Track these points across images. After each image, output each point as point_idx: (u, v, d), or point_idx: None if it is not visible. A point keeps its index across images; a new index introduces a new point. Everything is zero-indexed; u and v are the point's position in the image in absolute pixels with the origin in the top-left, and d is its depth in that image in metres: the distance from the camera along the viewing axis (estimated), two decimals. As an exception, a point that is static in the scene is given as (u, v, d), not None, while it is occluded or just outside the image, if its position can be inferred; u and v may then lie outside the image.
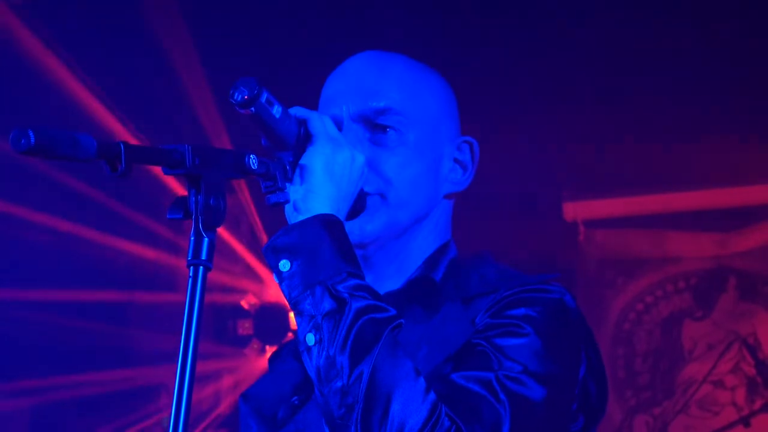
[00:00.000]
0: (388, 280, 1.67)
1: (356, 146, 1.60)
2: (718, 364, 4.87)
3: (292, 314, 4.74)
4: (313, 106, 1.64)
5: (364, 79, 1.67)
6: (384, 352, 1.46)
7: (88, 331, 4.72)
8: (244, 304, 4.79)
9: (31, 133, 1.19)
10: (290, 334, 4.68)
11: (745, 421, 4.52)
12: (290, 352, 1.75)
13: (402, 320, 1.46)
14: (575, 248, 5.14)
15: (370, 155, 1.62)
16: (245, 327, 4.76)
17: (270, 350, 4.66)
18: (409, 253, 1.69)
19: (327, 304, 1.45)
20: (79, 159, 1.23)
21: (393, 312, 1.46)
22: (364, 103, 1.64)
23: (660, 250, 5.11)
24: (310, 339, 1.46)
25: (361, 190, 1.59)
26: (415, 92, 1.68)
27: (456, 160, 1.70)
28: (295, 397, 1.68)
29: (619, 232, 5.20)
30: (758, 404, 4.70)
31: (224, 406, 4.93)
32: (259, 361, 4.69)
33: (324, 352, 1.45)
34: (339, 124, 1.65)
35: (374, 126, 1.65)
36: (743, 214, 4.92)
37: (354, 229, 1.58)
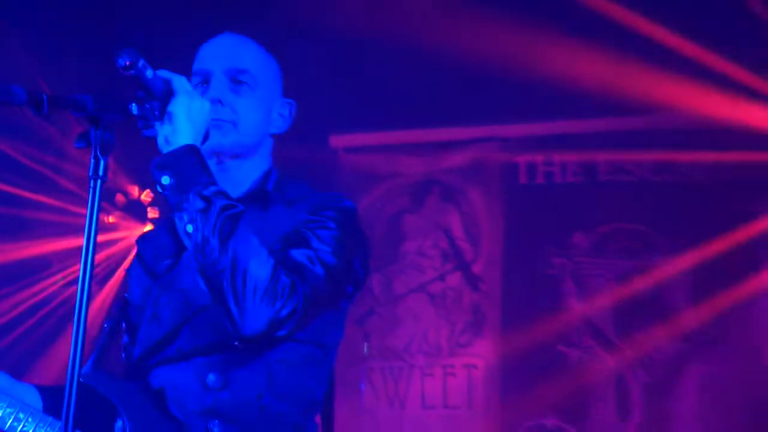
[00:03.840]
0: (236, 187, 1.94)
1: (224, 97, 1.90)
2: (424, 242, 5.85)
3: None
4: (181, 69, 1.87)
5: (232, 49, 1.99)
6: (240, 234, 1.71)
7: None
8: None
9: None
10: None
11: (442, 277, 5.61)
12: (163, 228, 2.06)
13: (246, 212, 1.74)
14: (337, 168, 5.89)
15: (230, 99, 1.92)
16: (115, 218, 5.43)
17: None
18: (249, 169, 1.99)
19: (199, 204, 1.70)
20: (14, 104, 1.42)
21: (242, 207, 1.74)
22: (231, 64, 1.96)
23: (391, 168, 5.92)
24: (189, 228, 1.72)
25: (220, 119, 1.88)
26: (262, 63, 2.01)
27: (280, 114, 2.04)
28: (170, 259, 1.98)
29: (366, 156, 5.94)
30: (449, 267, 5.72)
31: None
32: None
33: (200, 235, 1.70)
34: (209, 75, 1.95)
35: (235, 80, 1.96)
36: (445, 144, 5.85)
37: (214, 142, 1.86)
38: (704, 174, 5.35)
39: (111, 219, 5.36)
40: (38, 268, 5.51)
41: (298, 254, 1.80)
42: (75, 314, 1.46)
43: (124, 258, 5.54)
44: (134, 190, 5.51)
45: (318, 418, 2.01)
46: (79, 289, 1.48)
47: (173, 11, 4.65)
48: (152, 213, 5.49)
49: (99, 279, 5.45)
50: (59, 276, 5.48)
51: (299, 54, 3.90)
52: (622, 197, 5.49)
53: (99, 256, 5.53)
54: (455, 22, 4.72)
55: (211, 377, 1.85)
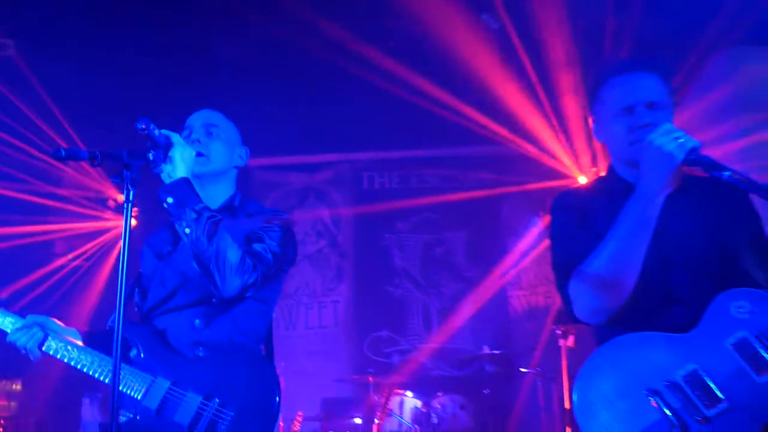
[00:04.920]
0: (212, 201, 2.36)
1: (201, 138, 2.31)
2: (307, 227, 6.92)
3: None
4: (176, 127, 2.24)
5: (207, 114, 2.51)
6: (220, 234, 2.10)
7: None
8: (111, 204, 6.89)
9: (62, 150, 1.73)
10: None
11: (319, 250, 6.99)
12: (164, 226, 2.39)
13: (224, 220, 2.12)
14: (252, 179, 7.16)
15: (206, 140, 2.38)
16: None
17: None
18: (221, 190, 2.42)
19: (193, 215, 2.10)
20: (78, 161, 1.83)
21: (220, 217, 2.17)
22: (207, 120, 2.46)
23: (284, 179, 7.24)
24: (187, 230, 2.10)
25: (200, 153, 2.30)
26: (226, 123, 2.54)
27: (239, 155, 2.53)
28: (170, 246, 2.34)
29: (269, 172, 7.16)
30: (323, 242, 7.07)
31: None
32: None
33: (194, 235, 2.09)
34: (193, 128, 2.39)
35: (208, 130, 2.46)
36: (318, 165, 7.16)
37: (196, 169, 2.28)
38: (473, 183, 7.49)
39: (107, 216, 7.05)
40: (50, 247, 6.86)
41: (257, 246, 2.21)
42: (118, 287, 1.79)
43: (117, 241, 6.88)
44: (120, 198, 6.68)
45: (262, 347, 2.32)
46: (120, 270, 1.76)
47: (170, 97, 5.57)
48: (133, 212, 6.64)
49: (103, 251, 7.08)
50: (71, 255, 6.88)
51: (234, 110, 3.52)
52: (425, 197, 7.26)
53: (101, 239, 7.09)
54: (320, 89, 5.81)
55: (197, 321, 2.21)
